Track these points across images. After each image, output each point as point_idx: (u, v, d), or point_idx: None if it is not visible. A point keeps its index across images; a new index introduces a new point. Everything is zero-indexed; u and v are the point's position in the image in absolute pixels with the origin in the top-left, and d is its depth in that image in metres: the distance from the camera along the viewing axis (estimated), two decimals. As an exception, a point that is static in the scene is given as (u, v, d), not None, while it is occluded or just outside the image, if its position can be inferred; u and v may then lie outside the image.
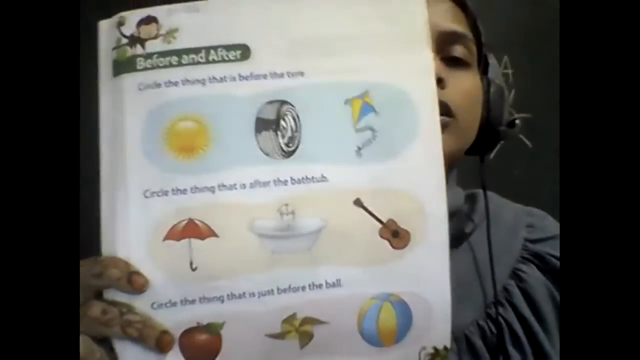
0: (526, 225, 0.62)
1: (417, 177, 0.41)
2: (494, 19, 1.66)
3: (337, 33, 0.42)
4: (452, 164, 0.58)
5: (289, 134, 0.40)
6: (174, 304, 0.39)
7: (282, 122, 0.40)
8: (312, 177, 0.40)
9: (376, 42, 0.42)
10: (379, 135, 0.41)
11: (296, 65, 0.41)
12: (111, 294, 0.38)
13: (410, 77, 0.42)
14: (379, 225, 0.41)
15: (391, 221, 0.41)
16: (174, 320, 0.39)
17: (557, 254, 0.59)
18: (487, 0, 1.66)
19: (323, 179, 0.40)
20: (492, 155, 1.75)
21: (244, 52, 0.40)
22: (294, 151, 0.40)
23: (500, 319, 0.55)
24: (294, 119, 0.40)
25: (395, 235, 0.41)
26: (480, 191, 0.61)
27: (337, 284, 0.40)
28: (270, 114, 0.40)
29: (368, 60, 0.42)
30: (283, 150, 0.40)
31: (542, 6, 1.62)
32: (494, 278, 0.56)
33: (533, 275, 0.58)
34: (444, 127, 0.52)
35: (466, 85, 0.55)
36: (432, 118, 0.42)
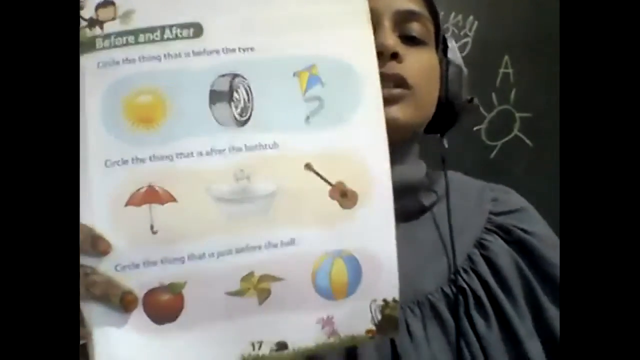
0: (491, 199, 0.64)
1: (362, 141, 0.44)
2: (494, 19, 1.69)
3: (286, 12, 0.45)
4: (412, 137, 0.60)
5: (241, 104, 0.43)
6: (137, 266, 0.41)
7: (235, 94, 0.43)
8: (265, 144, 0.43)
9: (322, 20, 0.45)
10: (326, 104, 0.44)
11: (247, 41, 0.44)
12: None
13: (353, 50, 0.45)
14: (329, 187, 0.43)
15: (340, 183, 0.43)
16: (137, 281, 0.41)
17: (522, 225, 0.61)
18: (488, 1, 1.69)
19: (275, 145, 0.43)
20: (492, 154, 1.77)
21: (197, 30, 0.43)
22: (247, 120, 0.43)
23: (464, 284, 0.57)
24: (246, 90, 0.43)
25: (344, 195, 0.43)
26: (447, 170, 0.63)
27: (291, 242, 0.43)
28: (223, 87, 0.43)
29: (314, 37, 0.45)
30: (237, 120, 0.43)
31: (542, 6, 1.64)
32: (453, 245, 0.58)
33: (497, 244, 0.60)
34: (402, 98, 0.55)
35: (423, 60, 0.58)
36: (374, 87, 0.45)
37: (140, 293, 0.41)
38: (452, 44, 0.64)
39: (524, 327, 0.56)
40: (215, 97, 0.43)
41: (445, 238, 0.59)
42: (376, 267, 0.43)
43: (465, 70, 0.64)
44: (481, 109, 1.68)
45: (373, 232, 0.44)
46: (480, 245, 0.60)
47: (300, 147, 0.43)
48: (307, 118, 0.44)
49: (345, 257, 0.43)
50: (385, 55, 0.54)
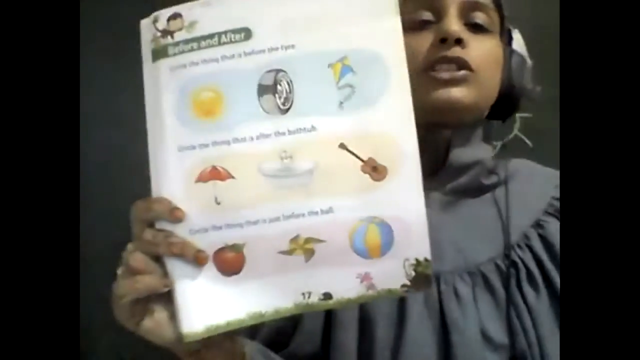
0: (555, 185, 0.67)
1: (391, 122, 0.51)
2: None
3: (320, 10, 0.52)
4: (475, 120, 0.65)
5: (284, 95, 0.51)
6: (206, 230, 0.50)
7: (279, 86, 0.51)
8: (304, 128, 0.51)
9: (352, 15, 0.52)
10: (357, 90, 0.51)
11: (288, 40, 0.52)
12: (159, 224, 0.49)
13: (381, 40, 0.52)
14: (361, 163, 0.51)
15: (371, 159, 0.51)
16: (206, 242, 0.49)
17: None
18: (488, 0, 1.75)
19: (313, 128, 0.51)
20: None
21: (247, 33, 0.52)
22: (289, 109, 0.51)
23: (517, 259, 0.61)
24: (287, 83, 0.51)
25: (375, 170, 0.51)
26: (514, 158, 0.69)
27: (330, 210, 0.50)
28: (268, 81, 0.51)
29: (346, 31, 0.52)
30: (280, 109, 0.51)
31: (542, 6, 1.71)
32: (508, 220, 0.62)
33: (555, 225, 0.63)
34: (464, 80, 0.61)
35: (486, 47, 0.63)
36: (401, 73, 0.51)
37: (209, 251, 0.50)
38: (517, 35, 0.69)
39: None
40: (262, 90, 0.51)
41: (503, 217, 0.64)
42: (407, 231, 0.51)
43: (529, 61, 0.69)
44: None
45: (402, 201, 0.51)
46: (538, 225, 0.64)
47: (335, 129, 0.51)
48: (341, 104, 0.51)
49: (378, 223, 0.51)
50: (450, 41, 0.60)
